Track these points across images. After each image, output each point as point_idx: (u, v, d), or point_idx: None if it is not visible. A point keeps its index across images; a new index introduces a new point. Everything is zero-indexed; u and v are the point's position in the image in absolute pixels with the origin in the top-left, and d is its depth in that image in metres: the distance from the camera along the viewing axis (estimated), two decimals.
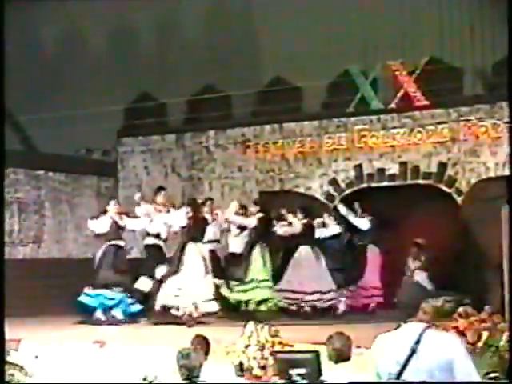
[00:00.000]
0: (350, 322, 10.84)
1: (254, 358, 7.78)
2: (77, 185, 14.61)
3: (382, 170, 13.82)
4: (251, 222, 12.34)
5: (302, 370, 6.42)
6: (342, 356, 6.26)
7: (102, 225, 11.64)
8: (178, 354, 5.71)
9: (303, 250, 12.37)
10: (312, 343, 7.79)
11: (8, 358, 7.75)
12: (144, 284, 11.57)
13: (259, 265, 12.05)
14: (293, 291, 12.10)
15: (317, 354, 6.83)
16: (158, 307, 11.13)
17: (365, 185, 13.94)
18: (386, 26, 14.21)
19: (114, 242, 11.69)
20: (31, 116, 14.97)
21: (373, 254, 13.02)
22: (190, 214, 11.46)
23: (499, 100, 12.93)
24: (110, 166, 15.52)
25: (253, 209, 12.54)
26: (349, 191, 14.03)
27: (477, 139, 13.22)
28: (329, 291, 12.14)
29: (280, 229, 12.56)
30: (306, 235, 12.46)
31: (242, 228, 12.54)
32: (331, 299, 12.15)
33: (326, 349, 6.38)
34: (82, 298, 11.32)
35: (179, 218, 11.50)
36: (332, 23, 14.58)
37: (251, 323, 8.19)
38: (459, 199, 13.20)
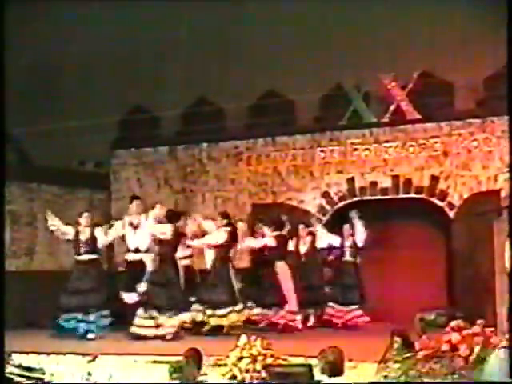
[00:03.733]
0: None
1: (247, 371, 7.78)
2: (70, 197, 14.59)
3: (374, 184, 13.86)
4: (219, 236, 11.66)
5: None
6: (335, 370, 6.27)
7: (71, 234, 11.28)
8: (169, 368, 5.71)
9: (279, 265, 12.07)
10: (305, 357, 7.80)
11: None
12: (128, 298, 11.37)
13: (228, 285, 11.50)
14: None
15: (309, 367, 6.85)
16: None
17: (357, 198, 13.97)
18: (378, 40, 14.26)
19: (82, 258, 11.29)
20: (24, 128, 14.96)
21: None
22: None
23: (491, 114, 13.01)
24: (102, 178, 15.51)
25: (219, 222, 11.80)
26: (341, 204, 14.05)
27: (469, 153, 13.29)
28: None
29: (250, 242, 12.35)
30: (279, 249, 12.14)
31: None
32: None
33: (318, 362, 6.38)
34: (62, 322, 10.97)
35: (164, 230, 11.14)
36: (324, 37, 14.62)
37: (244, 336, 8.19)
38: (451, 213, 13.24)
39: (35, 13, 16.10)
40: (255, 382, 7.50)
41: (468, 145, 13.28)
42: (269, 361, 7.82)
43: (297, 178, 14.36)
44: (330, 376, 6.24)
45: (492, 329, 7.91)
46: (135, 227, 11.55)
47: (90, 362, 8.74)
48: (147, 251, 11.50)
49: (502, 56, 10.98)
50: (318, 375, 6.45)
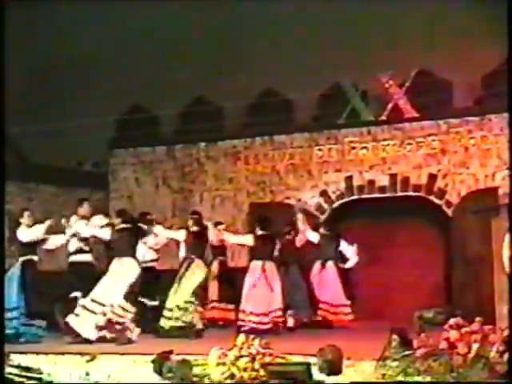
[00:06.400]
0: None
1: (245, 370, 7.77)
2: (68, 197, 14.58)
3: (372, 182, 13.87)
4: (180, 234, 11.34)
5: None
6: (333, 368, 6.28)
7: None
8: (164, 368, 5.71)
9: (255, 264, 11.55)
10: (303, 355, 7.80)
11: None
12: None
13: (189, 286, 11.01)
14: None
15: (308, 365, 6.86)
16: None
17: (355, 196, 13.97)
18: (376, 39, 14.27)
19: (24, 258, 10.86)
20: (22, 127, 14.96)
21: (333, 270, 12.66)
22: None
23: (488, 112, 13.03)
24: (101, 178, 15.51)
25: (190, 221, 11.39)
26: (339, 203, 14.06)
27: (466, 151, 13.30)
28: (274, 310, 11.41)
29: (230, 237, 12.12)
30: (263, 248, 11.60)
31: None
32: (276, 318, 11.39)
33: (317, 361, 6.39)
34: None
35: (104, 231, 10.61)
36: (322, 35, 14.63)
37: (242, 335, 8.19)
38: (449, 211, 13.25)
39: (35, 13, 16.11)
40: (255, 382, 7.50)
41: (466, 143, 13.30)
42: (267, 359, 7.82)
43: (295, 176, 14.36)
44: (329, 374, 6.26)
45: (490, 326, 7.90)
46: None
47: (88, 361, 8.73)
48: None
49: (499, 54, 11.02)
50: (316, 374, 6.46)
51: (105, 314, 10.14)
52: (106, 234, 10.76)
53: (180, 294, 10.92)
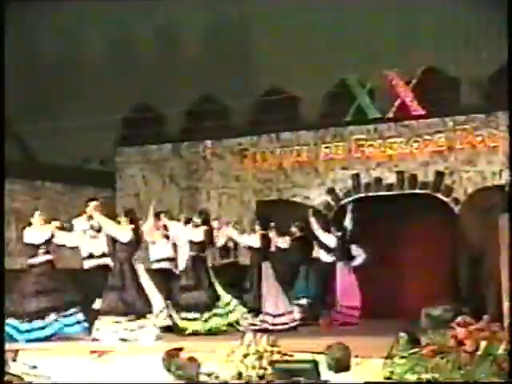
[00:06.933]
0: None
1: (253, 368, 7.77)
2: (74, 195, 14.59)
3: (379, 180, 13.85)
4: (197, 234, 11.15)
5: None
6: (341, 366, 6.26)
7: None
8: (172, 365, 5.71)
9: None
10: (311, 352, 7.79)
11: (6, 369, 7.78)
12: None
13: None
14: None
15: (315, 363, 6.84)
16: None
17: (362, 194, 13.96)
18: (382, 36, 14.26)
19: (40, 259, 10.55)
20: (29, 126, 14.99)
21: (342, 271, 12.68)
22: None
23: (495, 109, 12.99)
24: (107, 176, 15.52)
25: (197, 220, 11.24)
26: (346, 201, 14.04)
27: (473, 148, 13.27)
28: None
29: (235, 234, 12.02)
30: (264, 249, 11.64)
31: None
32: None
33: (325, 358, 6.38)
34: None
35: (123, 233, 10.17)
36: (329, 33, 14.62)
37: (250, 333, 8.19)
38: (457, 208, 13.23)
39: (39, 11, 16.14)
40: (263, 382, 7.50)
41: (473, 140, 13.26)
42: (275, 357, 7.82)
43: (302, 174, 14.35)
44: (337, 372, 6.25)
45: (498, 324, 7.90)
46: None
47: (95, 359, 8.75)
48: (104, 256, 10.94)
49: (506, 51, 10.99)
50: (324, 371, 6.45)
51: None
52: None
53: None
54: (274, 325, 11.18)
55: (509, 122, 11.47)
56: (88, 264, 10.97)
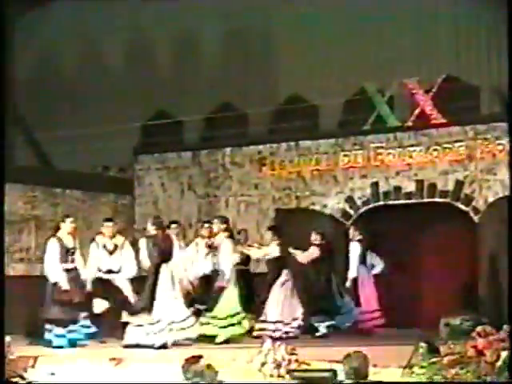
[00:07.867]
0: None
1: (271, 376, 7.76)
2: (93, 202, 14.64)
3: (398, 188, 13.80)
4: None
5: None
6: (359, 375, 6.24)
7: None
8: (190, 372, 5.71)
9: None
10: (329, 361, 7.76)
11: (25, 375, 7.80)
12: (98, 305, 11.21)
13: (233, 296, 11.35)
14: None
15: (334, 372, 6.82)
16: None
17: (381, 203, 13.91)
18: (402, 44, 14.22)
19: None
20: (49, 133, 15.05)
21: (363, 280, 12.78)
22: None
23: None
24: (126, 184, 15.56)
25: (220, 226, 11.61)
26: (364, 209, 14.00)
27: (493, 157, 13.19)
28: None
29: (252, 252, 12.18)
30: (283, 257, 11.88)
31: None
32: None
33: (343, 367, 6.36)
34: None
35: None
36: (348, 41, 14.60)
37: (268, 341, 8.17)
38: (476, 217, 13.15)
39: (59, 18, 16.23)
40: None
41: (493, 149, 13.18)
42: (293, 366, 7.79)
43: (320, 182, 14.31)
44: (355, 381, 6.22)
45: None
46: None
47: (114, 366, 8.75)
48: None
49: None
50: (342, 380, 6.42)
51: None
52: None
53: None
54: (286, 333, 11.40)
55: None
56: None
